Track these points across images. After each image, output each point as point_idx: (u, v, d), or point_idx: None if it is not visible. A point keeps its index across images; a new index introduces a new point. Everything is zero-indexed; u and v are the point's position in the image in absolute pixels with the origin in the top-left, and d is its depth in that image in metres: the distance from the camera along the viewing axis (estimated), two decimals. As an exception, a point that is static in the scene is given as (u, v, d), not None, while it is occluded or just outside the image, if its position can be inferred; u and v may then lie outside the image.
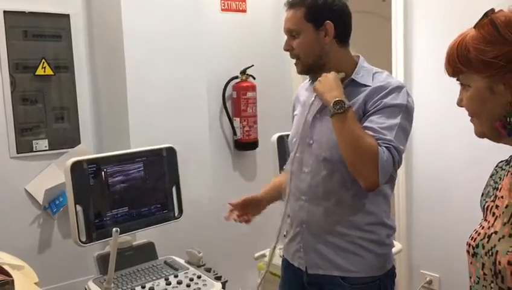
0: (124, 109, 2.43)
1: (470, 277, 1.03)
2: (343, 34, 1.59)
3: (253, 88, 2.94)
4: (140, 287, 1.85)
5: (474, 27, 0.98)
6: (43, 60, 2.46)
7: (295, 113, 1.79)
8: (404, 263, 2.86)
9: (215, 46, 2.84)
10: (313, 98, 1.56)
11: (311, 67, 1.63)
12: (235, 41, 2.96)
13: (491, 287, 0.96)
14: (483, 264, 0.97)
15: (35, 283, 1.58)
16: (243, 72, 2.93)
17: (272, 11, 3.04)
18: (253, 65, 2.94)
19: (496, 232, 0.96)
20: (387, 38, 2.79)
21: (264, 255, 2.44)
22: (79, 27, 2.56)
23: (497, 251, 0.93)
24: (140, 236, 2.16)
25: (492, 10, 0.97)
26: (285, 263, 1.77)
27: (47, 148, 2.50)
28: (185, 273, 1.96)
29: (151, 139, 2.26)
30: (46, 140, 2.49)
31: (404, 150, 1.50)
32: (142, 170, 2.03)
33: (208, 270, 1.99)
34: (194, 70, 2.65)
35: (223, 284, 1.90)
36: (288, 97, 2.56)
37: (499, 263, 0.92)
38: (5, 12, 2.34)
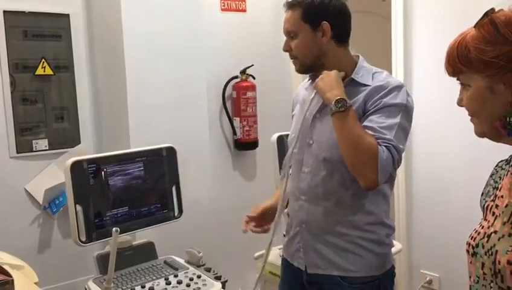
0: (124, 109, 2.43)
1: (470, 277, 1.03)
2: (341, 34, 1.59)
3: (253, 88, 2.94)
4: (140, 287, 1.85)
5: (475, 27, 0.98)
6: (43, 60, 2.46)
7: (294, 112, 1.80)
8: (404, 263, 2.86)
9: (215, 46, 2.84)
10: (313, 95, 1.56)
11: (309, 67, 1.63)
12: (235, 41, 2.96)
13: (491, 287, 0.96)
14: (482, 264, 0.97)
15: (35, 283, 1.58)
16: (243, 71, 2.93)
17: (271, 11, 3.04)
18: (253, 65, 2.94)
19: (495, 232, 0.96)
20: (387, 38, 2.79)
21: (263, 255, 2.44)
22: (79, 27, 2.56)
23: (496, 251, 0.93)
24: (140, 236, 2.16)
25: (492, 10, 0.97)
26: (285, 262, 1.77)
27: (47, 148, 2.50)
28: (184, 273, 1.96)
29: (151, 139, 2.26)
30: (46, 140, 2.49)
31: (404, 149, 1.50)
32: (142, 170, 2.03)
33: (208, 270, 1.99)
34: (194, 70, 2.65)
35: (223, 284, 1.90)
36: (288, 97, 2.55)
37: (499, 262, 0.92)
38: (4, 12, 2.34)
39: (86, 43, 2.59)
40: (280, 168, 2.27)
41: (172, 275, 1.94)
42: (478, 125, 1.03)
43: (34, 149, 2.46)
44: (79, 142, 2.58)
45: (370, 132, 1.44)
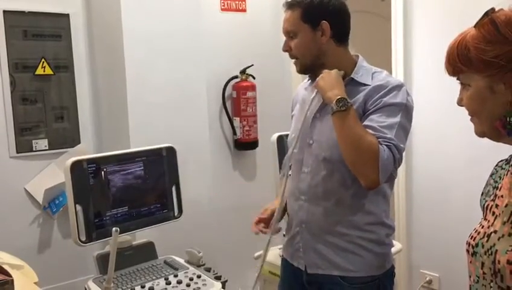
0: (123, 108, 2.43)
1: (470, 276, 1.03)
2: (340, 34, 1.59)
3: (253, 88, 2.94)
4: (140, 286, 1.85)
5: (475, 26, 0.98)
6: (43, 60, 2.46)
7: (293, 112, 1.80)
8: (404, 263, 2.86)
9: (215, 46, 2.84)
10: (314, 95, 1.56)
11: (309, 67, 1.63)
12: (234, 41, 2.96)
13: (491, 286, 0.96)
14: (482, 264, 0.97)
15: (35, 283, 1.58)
16: (243, 71, 2.93)
17: (271, 11, 3.04)
18: (253, 65, 2.94)
19: (495, 232, 0.96)
20: (386, 38, 2.79)
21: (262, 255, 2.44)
22: (79, 27, 2.56)
23: (496, 250, 0.93)
24: (140, 236, 2.16)
25: (492, 9, 0.97)
26: (285, 262, 1.77)
27: (47, 147, 2.49)
28: (184, 273, 1.96)
29: (151, 139, 2.26)
30: (46, 140, 2.49)
31: (404, 148, 1.50)
32: (142, 170, 2.03)
33: (208, 270, 1.99)
34: (194, 70, 2.65)
35: (223, 284, 1.90)
36: (288, 97, 2.55)
37: (498, 262, 0.92)
38: (4, 12, 2.33)
39: (86, 43, 2.59)
40: (280, 168, 2.27)
41: (172, 275, 1.94)
42: (478, 125, 1.03)
43: (33, 149, 2.46)
44: (79, 142, 2.58)
45: (371, 131, 1.44)
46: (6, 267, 1.47)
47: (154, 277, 1.93)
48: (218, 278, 1.92)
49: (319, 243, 1.62)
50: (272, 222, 1.68)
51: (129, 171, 1.99)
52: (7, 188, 2.38)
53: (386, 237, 1.63)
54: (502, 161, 1.09)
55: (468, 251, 1.02)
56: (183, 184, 2.16)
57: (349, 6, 1.62)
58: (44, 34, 2.46)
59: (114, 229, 1.55)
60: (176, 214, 2.14)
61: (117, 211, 1.96)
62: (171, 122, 2.53)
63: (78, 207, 1.84)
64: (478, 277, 0.99)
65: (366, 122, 1.48)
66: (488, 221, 1.00)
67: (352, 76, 1.58)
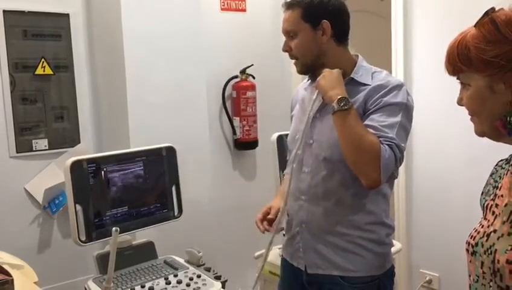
0: (123, 108, 2.43)
1: (469, 276, 1.03)
2: (341, 33, 1.59)
3: (252, 87, 2.94)
4: (140, 286, 1.85)
5: (475, 26, 0.98)
6: (43, 60, 2.45)
7: (293, 113, 1.79)
8: (404, 263, 2.86)
9: (215, 46, 2.84)
10: (316, 95, 1.56)
11: (310, 67, 1.63)
12: (234, 40, 2.96)
13: (490, 286, 0.96)
14: (482, 263, 0.97)
15: (35, 283, 1.57)
16: (243, 71, 2.93)
17: (271, 10, 3.04)
18: (252, 64, 2.94)
19: (495, 231, 0.96)
20: (386, 37, 2.79)
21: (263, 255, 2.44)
22: (79, 27, 2.56)
23: (495, 250, 0.93)
24: (140, 235, 2.16)
25: (492, 9, 0.97)
26: (284, 262, 1.77)
27: (47, 147, 2.49)
28: (184, 272, 1.96)
29: (151, 139, 2.26)
30: (46, 139, 2.49)
31: (405, 148, 1.51)
32: (141, 170, 2.03)
33: (208, 269, 1.99)
34: (194, 70, 2.64)
35: (223, 284, 1.90)
36: (288, 96, 2.55)
37: (498, 261, 0.92)
38: (4, 11, 2.33)
39: (86, 42, 2.59)
40: (280, 168, 2.27)
41: (172, 275, 1.93)
42: (478, 124, 1.03)
43: (33, 149, 2.46)
44: (79, 142, 2.58)
45: (372, 131, 1.44)
46: (6, 267, 1.47)
47: (154, 277, 1.93)
48: (218, 277, 1.92)
49: (319, 243, 1.62)
50: (276, 221, 1.68)
51: (129, 171, 1.99)
52: (7, 188, 2.38)
53: (386, 237, 1.63)
54: (502, 160, 1.09)
55: (467, 250, 1.02)
56: (183, 184, 2.16)
57: (349, 6, 1.62)
58: (44, 34, 2.46)
59: (114, 229, 1.55)
60: (175, 214, 2.14)
61: (117, 210, 1.96)
62: (171, 122, 2.53)
63: (78, 207, 1.84)
64: (478, 277, 0.99)
65: (367, 122, 1.48)
66: (488, 220, 1.00)
67: (352, 76, 1.58)
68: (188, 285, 1.86)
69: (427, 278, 2.78)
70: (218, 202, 2.80)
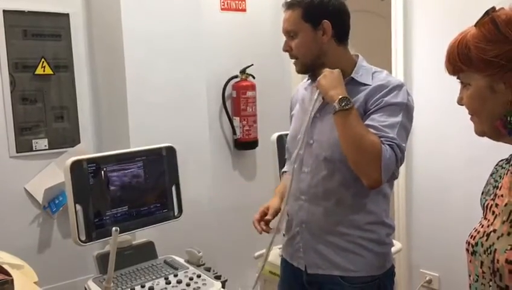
0: (123, 108, 2.43)
1: (469, 275, 1.03)
2: (341, 33, 1.59)
3: (252, 87, 2.94)
4: (140, 286, 1.85)
5: (475, 25, 0.98)
6: (43, 60, 2.45)
7: (293, 113, 1.79)
8: (404, 262, 2.86)
9: (215, 46, 2.84)
10: (317, 94, 1.56)
11: (310, 67, 1.63)
12: (234, 40, 2.96)
13: (490, 286, 0.96)
14: (482, 263, 0.97)
15: (35, 282, 1.57)
16: (243, 71, 2.93)
17: (271, 10, 3.04)
18: (252, 64, 2.94)
19: (494, 231, 0.96)
20: (386, 37, 2.79)
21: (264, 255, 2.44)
22: (79, 26, 2.56)
23: (495, 249, 0.93)
24: (140, 235, 2.16)
25: (493, 8, 0.97)
26: (284, 262, 1.77)
27: (46, 147, 2.49)
28: (184, 272, 1.96)
29: (151, 139, 2.25)
30: (46, 139, 2.49)
31: (405, 148, 1.50)
32: (141, 169, 2.03)
33: (208, 269, 1.99)
34: (194, 70, 2.64)
35: (223, 284, 1.90)
36: (288, 96, 2.55)
37: (497, 261, 0.92)
38: (4, 11, 2.33)
39: (86, 42, 2.59)
40: (280, 168, 2.27)
41: (172, 275, 1.93)
42: (478, 124, 1.02)
43: (33, 149, 2.46)
44: (79, 142, 2.58)
45: (372, 131, 1.44)
46: (6, 267, 1.47)
47: (154, 277, 1.93)
48: (218, 277, 1.92)
49: (319, 243, 1.61)
50: (276, 221, 1.67)
51: (129, 170, 1.99)
52: (7, 187, 2.38)
53: (386, 237, 1.63)
54: (502, 160, 1.09)
55: (467, 250, 1.02)
56: (183, 184, 2.16)
57: (349, 5, 1.62)
58: (44, 34, 2.46)
59: (114, 228, 1.55)
60: (175, 213, 2.14)
61: (117, 210, 1.96)
62: (171, 122, 2.53)
63: (78, 207, 1.84)
64: (477, 276, 0.99)
65: (367, 122, 1.48)
66: (488, 220, 1.00)
67: (352, 76, 1.58)
68: (188, 285, 1.86)
69: (427, 278, 2.78)
70: (218, 202, 2.80)
